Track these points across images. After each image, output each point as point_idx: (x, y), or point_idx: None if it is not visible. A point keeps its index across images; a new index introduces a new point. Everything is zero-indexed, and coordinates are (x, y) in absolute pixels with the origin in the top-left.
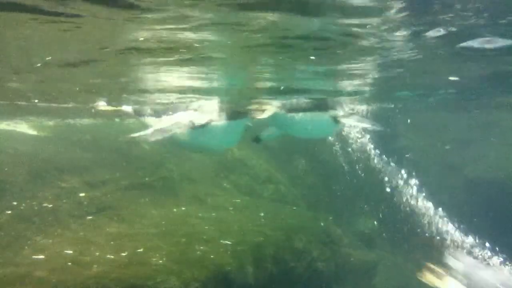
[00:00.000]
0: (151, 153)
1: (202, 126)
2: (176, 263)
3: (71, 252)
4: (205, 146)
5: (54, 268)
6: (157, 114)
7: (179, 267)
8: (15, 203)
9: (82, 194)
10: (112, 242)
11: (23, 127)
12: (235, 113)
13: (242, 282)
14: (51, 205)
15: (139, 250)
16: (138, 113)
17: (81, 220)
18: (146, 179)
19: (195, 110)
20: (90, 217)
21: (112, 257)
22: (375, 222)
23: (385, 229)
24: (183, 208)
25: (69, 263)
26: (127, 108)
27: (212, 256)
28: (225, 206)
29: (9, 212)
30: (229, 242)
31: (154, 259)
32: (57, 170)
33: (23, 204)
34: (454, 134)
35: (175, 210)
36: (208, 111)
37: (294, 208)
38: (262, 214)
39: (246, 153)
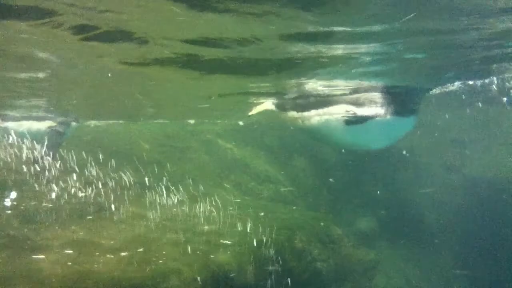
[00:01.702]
0: (151, 153)
1: (361, 121)
2: (176, 263)
3: (71, 252)
4: (358, 143)
5: (54, 268)
6: (301, 108)
7: (179, 267)
8: (15, 203)
9: (82, 194)
10: (112, 242)
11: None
12: (403, 107)
13: (242, 282)
14: (51, 205)
15: (139, 250)
16: (281, 108)
17: (81, 220)
18: (146, 179)
19: (354, 103)
20: (90, 217)
21: (112, 257)
22: (375, 222)
23: (385, 228)
24: (183, 208)
25: (69, 263)
26: (268, 105)
27: (212, 256)
28: (225, 206)
29: (9, 212)
30: (229, 242)
31: (154, 259)
32: (58, 170)
33: (23, 204)
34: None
35: (175, 210)
36: (370, 104)
37: (294, 208)
38: (262, 214)
39: (246, 153)
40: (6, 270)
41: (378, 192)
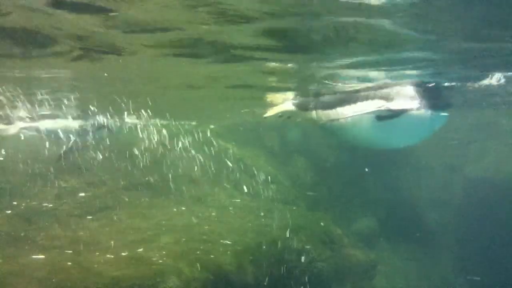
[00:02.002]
0: (151, 153)
1: (394, 116)
2: (176, 263)
3: (71, 252)
4: (390, 141)
5: (54, 268)
6: (327, 106)
7: (179, 267)
8: (15, 203)
9: (82, 194)
10: (112, 242)
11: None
12: (437, 101)
13: (242, 282)
14: (51, 205)
15: (139, 250)
16: (302, 107)
17: (81, 220)
18: (146, 179)
19: (386, 98)
20: (90, 217)
21: (112, 257)
22: (375, 222)
23: (385, 228)
24: (183, 208)
25: (69, 263)
26: (287, 105)
27: (212, 256)
28: (225, 206)
29: (9, 212)
30: (229, 242)
31: (154, 259)
32: (57, 170)
33: (23, 204)
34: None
35: (175, 210)
36: (402, 98)
37: (294, 208)
38: (262, 214)
39: (246, 153)
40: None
41: (378, 192)
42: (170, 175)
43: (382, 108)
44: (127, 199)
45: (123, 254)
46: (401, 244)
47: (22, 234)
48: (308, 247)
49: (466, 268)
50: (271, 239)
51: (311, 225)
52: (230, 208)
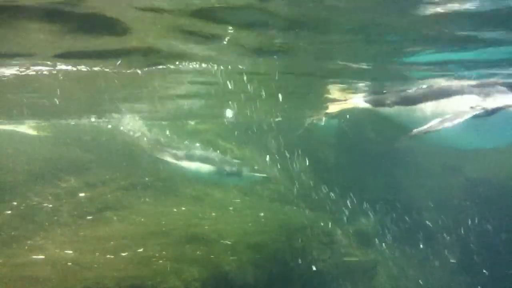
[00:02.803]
0: (151, 153)
1: (489, 114)
2: (176, 263)
3: (71, 252)
4: (481, 141)
5: (54, 268)
6: (406, 101)
7: (179, 267)
8: (15, 203)
9: (82, 194)
10: (112, 242)
11: (23, 127)
12: None
13: (242, 282)
14: (51, 205)
15: (139, 250)
16: (377, 104)
17: (81, 220)
18: (146, 179)
19: (478, 93)
20: (90, 217)
21: (112, 257)
22: (375, 222)
23: (385, 228)
24: (183, 208)
25: (69, 263)
26: (358, 101)
27: (212, 256)
28: (225, 206)
29: (9, 212)
30: (229, 242)
31: (154, 259)
32: (57, 170)
33: (23, 204)
34: None
35: (175, 210)
36: (497, 94)
37: (294, 208)
38: (262, 214)
39: (246, 153)
40: None
41: (378, 192)
42: (170, 175)
43: (476, 105)
44: (127, 199)
45: (123, 254)
46: (401, 244)
47: (22, 234)
48: (308, 247)
49: (466, 268)
50: (271, 239)
51: (311, 225)
52: (230, 208)
